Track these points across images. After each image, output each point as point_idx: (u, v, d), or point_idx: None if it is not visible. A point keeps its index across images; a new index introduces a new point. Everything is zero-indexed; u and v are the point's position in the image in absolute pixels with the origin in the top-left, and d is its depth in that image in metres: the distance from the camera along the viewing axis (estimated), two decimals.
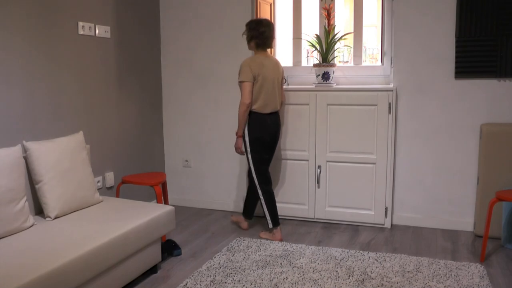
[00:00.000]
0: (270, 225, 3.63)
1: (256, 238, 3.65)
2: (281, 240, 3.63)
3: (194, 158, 4.53)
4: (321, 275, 2.98)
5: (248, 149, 3.56)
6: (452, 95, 3.72)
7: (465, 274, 2.97)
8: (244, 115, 3.48)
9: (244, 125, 3.52)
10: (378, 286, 2.84)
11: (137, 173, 3.94)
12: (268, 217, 3.62)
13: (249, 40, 3.58)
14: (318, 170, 3.99)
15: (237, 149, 3.60)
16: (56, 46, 3.25)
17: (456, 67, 3.66)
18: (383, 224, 3.91)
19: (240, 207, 4.36)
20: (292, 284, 2.87)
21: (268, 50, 3.63)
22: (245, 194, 3.98)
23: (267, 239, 3.65)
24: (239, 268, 3.10)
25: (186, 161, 4.56)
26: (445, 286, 2.82)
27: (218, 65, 4.30)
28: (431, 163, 3.83)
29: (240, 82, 3.47)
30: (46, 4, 3.15)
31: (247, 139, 3.55)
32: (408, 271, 3.02)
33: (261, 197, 3.61)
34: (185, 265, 3.22)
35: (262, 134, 3.55)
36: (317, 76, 4.00)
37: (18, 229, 2.58)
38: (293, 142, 4.04)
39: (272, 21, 4.37)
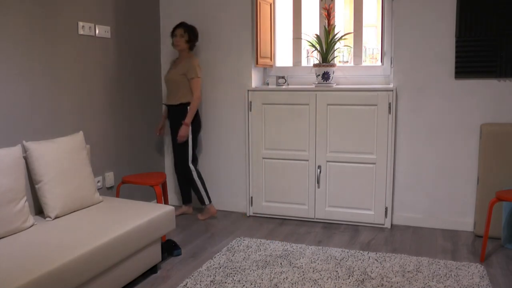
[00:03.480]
0: (207, 202, 4.12)
1: (256, 238, 3.66)
2: (216, 213, 4.19)
3: None
4: (321, 275, 2.98)
5: (190, 139, 4.05)
6: (452, 95, 3.72)
7: (465, 274, 2.97)
8: (196, 109, 4.00)
9: (193, 117, 4.01)
10: (378, 286, 2.84)
11: (137, 173, 3.94)
12: (204, 195, 4.11)
13: (192, 42, 4.04)
14: (318, 170, 3.99)
15: (184, 137, 3.98)
16: (56, 46, 3.25)
17: (456, 67, 3.66)
18: (383, 224, 3.91)
19: (239, 207, 4.36)
20: (292, 284, 2.87)
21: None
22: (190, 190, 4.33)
23: (208, 218, 4.16)
24: (239, 268, 3.10)
25: None
26: (445, 286, 2.82)
27: (217, 65, 4.30)
28: (431, 163, 3.83)
29: (198, 78, 3.95)
30: (46, 4, 3.15)
31: (191, 130, 4.03)
32: (408, 271, 3.02)
33: (197, 179, 4.09)
34: (185, 265, 3.22)
35: (201, 126, 4.19)
36: (317, 76, 4.00)
37: (18, 229, 2.58)
38: (293, 142, 4.04)
39: (272, 21, 4.39)
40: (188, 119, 3.95)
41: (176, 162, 4.23)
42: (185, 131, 3.96)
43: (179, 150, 4.08)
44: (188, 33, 4.00)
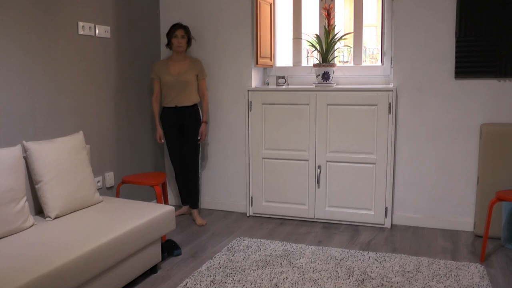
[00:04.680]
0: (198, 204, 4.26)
1: (256, 238, 3.66)
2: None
3: None
4: (321, 275, 2.99)
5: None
6: (452, 95, 3.72)
7: (465, 274, 2.97)
8: None
9: None
10: (378, 286, 2.84)
11: (137, 173, 3.94)
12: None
13: (190, 43, 4.09)
14: (318, 170, 3.99)
15: (205, 136, 4.10)
16: (56, 46, 3.25)
17: (456, 67, 3.66)
18: (383, 224, 3.91)
19: (239, 207, 4.36)
20: (292, 284, 2.87)
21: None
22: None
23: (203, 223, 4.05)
24: (239, 268, 3.10)
25: None
26: (445, 286, 2.82)
27: (217, 65, 4.30)
28: (431, 163, 3.83)
29: (205, 77, 4.10)
30: (46, 4, 3.15)
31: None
32: (408, 271, 3.03)
33: (199, 179, 4.24)
34: (185, 265, 3.22)
35: None
36: (317, 76, 4.00)
37: (18, 229, 2.58)
38: (293, 142, 4.04)
39: (272, 21, 4.39)
40: (206, 117, 4.10)
41: (176, 164, 4.19)
42: (206, 128, 4.12)
43: (193, 150, 4.09)
44: (187, 34, 4.03)
